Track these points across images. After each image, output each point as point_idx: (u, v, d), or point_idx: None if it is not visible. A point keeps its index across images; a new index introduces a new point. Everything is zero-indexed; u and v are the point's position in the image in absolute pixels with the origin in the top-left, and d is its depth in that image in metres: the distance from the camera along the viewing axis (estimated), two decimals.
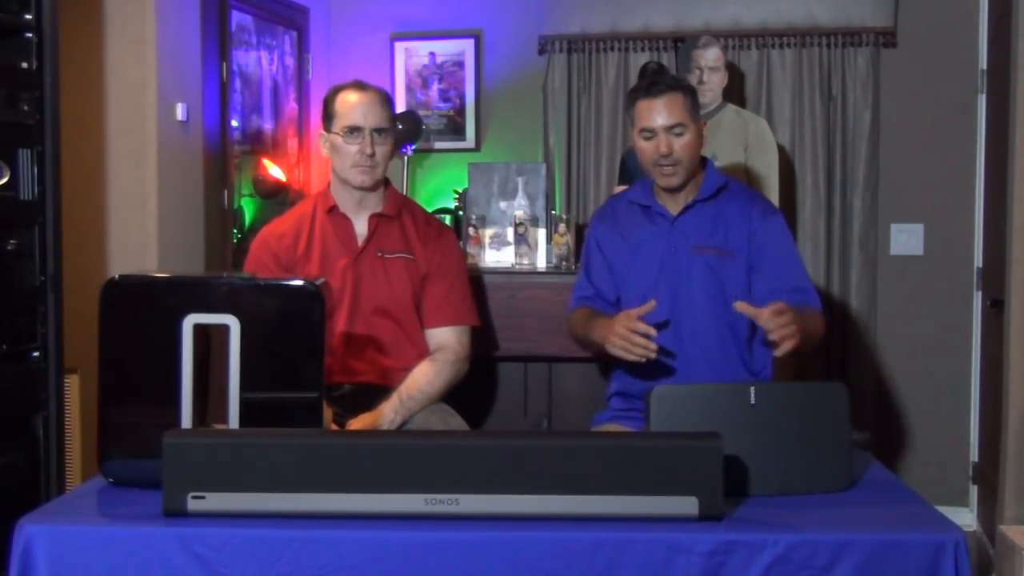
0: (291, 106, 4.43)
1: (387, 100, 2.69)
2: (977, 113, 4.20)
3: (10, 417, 2.65)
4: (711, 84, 3.70)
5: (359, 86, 2.66)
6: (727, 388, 1.97)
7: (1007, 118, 3.49)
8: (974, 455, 4.22)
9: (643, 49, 4.39)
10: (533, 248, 3.50)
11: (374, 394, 2.57)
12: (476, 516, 1.67)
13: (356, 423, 2.47)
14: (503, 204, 3.59)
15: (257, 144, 4.20)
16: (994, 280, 3.80)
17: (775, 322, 2.19)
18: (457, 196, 4.10)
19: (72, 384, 2.93)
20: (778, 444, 1.87)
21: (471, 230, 3.56)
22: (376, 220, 2.69)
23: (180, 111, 3.49)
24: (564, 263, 3.40)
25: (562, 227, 3.44)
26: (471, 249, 3.50)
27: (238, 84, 4.00)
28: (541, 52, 4.50)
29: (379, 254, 2.67)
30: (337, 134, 2.63)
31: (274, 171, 4.23)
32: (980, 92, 4.19)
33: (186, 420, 1.84)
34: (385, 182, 2.73)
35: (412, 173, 4.58)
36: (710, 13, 4.33)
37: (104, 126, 3.37)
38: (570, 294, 2.75)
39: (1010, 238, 3.41)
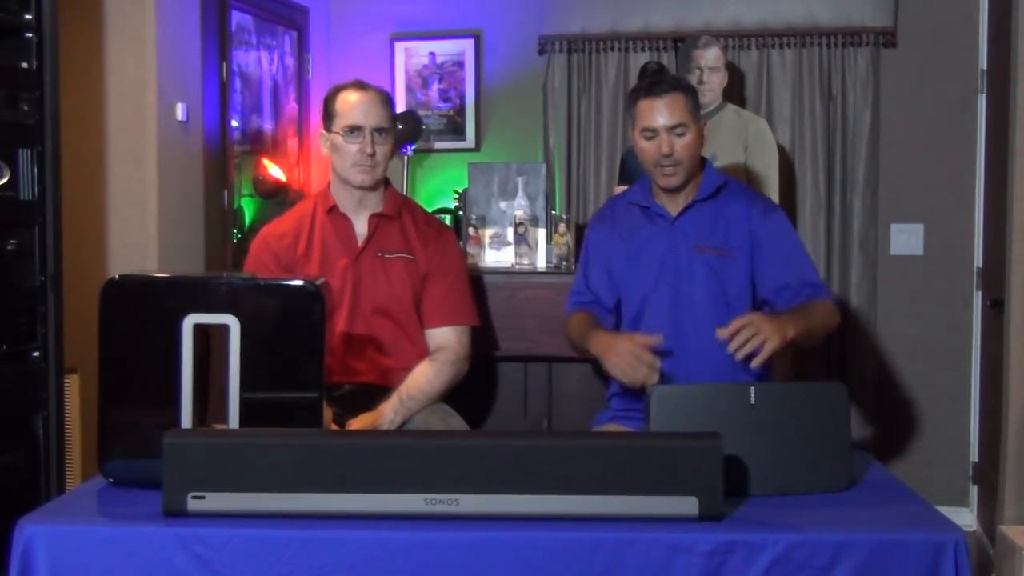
0: (291, 106, 4.43)
1: (388, 100, 2.69)
2: (977, 113, 4.20)
3: (10, 417, 2.65)
4: (711, 84, 3.70)
5: (360, 86, 2.67)
6: (727, 388, 1.97)
7: (1007, 118, 3.49)
8: (974, 455, 4.22)
9: (643, 49, 4.39)
10: (533, 248, 3.50)
11: (374, 394, 2.57)
12: (476, 516, 1.67)
13: (356, 423, 2.47)
14: (503, 204, 3.59)
15: (257, 144, 4.20)
16: (994, 280, 3.80)
17: (733, 345, 2.21)
18: (457, 196, 4.10)
19: (72, 384, 2.93)
20: (778, 444, 1.87)
21: (471, 230, 3.56)
22: (376, 220, 2.69)
23: (180, 111, 3.49)
24: (564, 263, 3.40)
25: (562, 227, 3.44)
26: (471, 249, 3.50)
27: (238, 84, 4.00)
28: (541, 52, 4.50)
29: (379, 254, 2.67)
30: (337, 133, 2.63)
31: (274, 171, 4.23)
32: (980, 92, 4.19)
33: (186, 420, 1.84)
34: (385, 182, 2.73)
35: (412, 173, 4.58)
36: (710, 13, 4.33)
37: (104, 126, 3.37)
38: (567, 297, 2.75)
39: (1010, 238, 3.41)
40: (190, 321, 1.83)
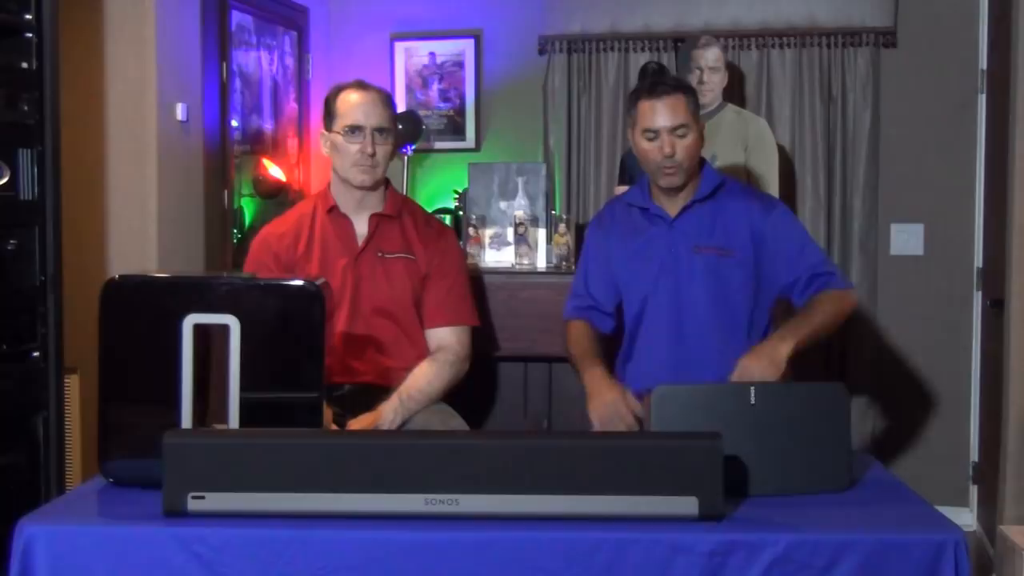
0: (291, 106, 4.43)
1: (388, 100, 2.69)
2: (977, 113, 4.20)
3: (10, 417, 2.65)
4: (711, 84, 3.71)
5: (361, 86, 2.67)
6: (727, 388, 1.98)
7: (1007, 118, 3.49)
8: (974, 455, 4.22)
9: (643, 49, 4.39)
10: (533, 248, 3.50)
11: (374, 394, 2.57)
12: (476, 516, 1.67)
13: (356, 423, 2.47)
14: (503, 204, 3.59)
15: (257, 144, 4.20)
16: (994, 280, 3.80)
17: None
18: (457, 196, 4.10)
19: (72, 384, 2.93)
20: (778, 444, 1.87)
21: (471, 230, 3.56)
22: (376, 220, 2.69)
23: (180, 111, 3.49)
24: (564, 263, 3.40)
25: (562, 227, 3.44)
26: (471, 249, 3.50)
27: (238, 84, 4.00)
28: (541, 52, 4.49)
29: (379, 254, 2.67)
30: (338, 133, 2.63)
31: (274, 171, 4.23)
32: (980, 92, 4.19)
33: (186, 420, 1.84)
34: (385, 182, 2.73)
35: (412, 173, 4.58)
36: (710, 13, 4.33)
37: (104, 126, 3.37)
38: (567, 298, 2.75)
39: (1010, 238, 3.41)
40: (190, 321, 1.83)
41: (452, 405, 2.67)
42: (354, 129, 2.61)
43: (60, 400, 2.75)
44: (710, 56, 3.71)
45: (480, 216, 3.57)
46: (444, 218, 3.69)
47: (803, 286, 2.51)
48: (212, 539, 1.65)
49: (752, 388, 1.91)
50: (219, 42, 3.80)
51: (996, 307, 3.67)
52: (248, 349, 1.83)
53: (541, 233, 3.53)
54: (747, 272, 2.54)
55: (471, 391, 2.80)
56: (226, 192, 3.85)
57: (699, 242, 2.55)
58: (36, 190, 2.69)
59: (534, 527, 1.66)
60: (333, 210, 2.70)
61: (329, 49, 4.68)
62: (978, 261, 4.22)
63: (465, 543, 1.64)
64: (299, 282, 1.89)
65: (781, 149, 4.00)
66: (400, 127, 4.08)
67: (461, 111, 4.66)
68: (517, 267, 3.45)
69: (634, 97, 2.55)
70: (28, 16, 2.66)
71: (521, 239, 3.48)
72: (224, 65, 3.83)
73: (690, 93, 2.53)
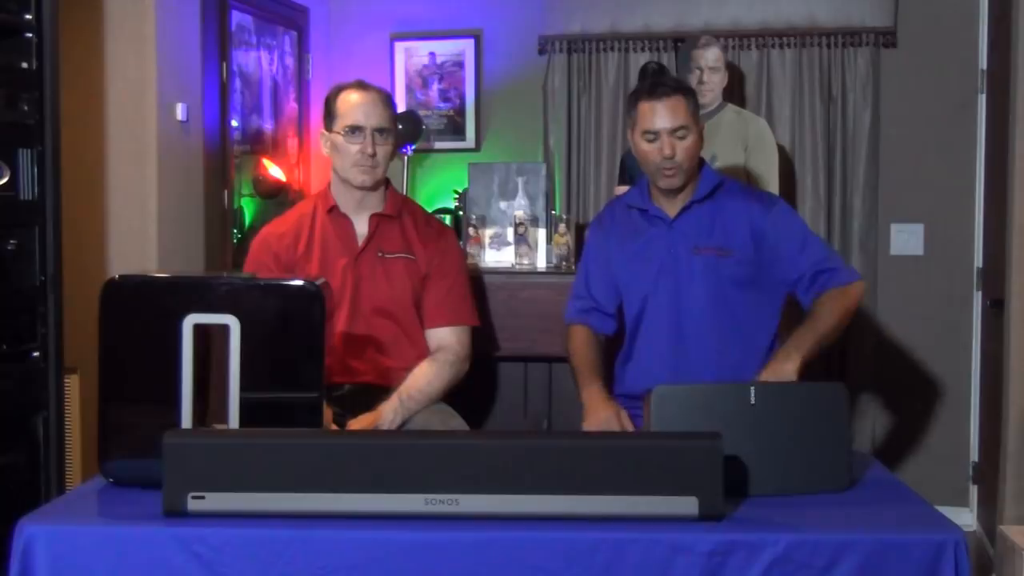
0: (291, 106, 4.43)
1: (389, 100, 2.69)
2: (977, 113, 4.20)
3: (10, 417, 2.65)
4: (711, 84, 3.70)
5: (361, 86, 2.67)
6: (727, 388, 1.97)
7: (1007, 118, 3.49)
8: (974, 455, 4.22)
9: (643, 49, 4.39)
10: (533, 248, 3.50)
11: (374, 394, 2.57)
12: (476, 516, 1.67)
13: (356, 423, 2.47)
14: (503, 204, 3.59)
15: (257, 144, 4.20)
16: (994, 280, 3.80)
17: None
18: (457, 196, 4.10)
19: (72, 384, 2.93)
20: (778, 444, 1.88)
21: (471, 230, 3.56)
22: (376, 220, 2.69)
23: (180, 111, 3.49)
24: (564, 263, 3.40)
25: (562, 227, 3.44)
26: (471, 249, 3.50)
27: (238, 84, 4.00)
28: (541, 52, 4.49)
29: (379, 254, 2.67)
30: (338, 133, 2.63)
31: (274, 171, 4.23)
32: (980, 92, 4.19)
33: (186, 420, 1.84)
34: (386, 182, 2.73)
35: (412, 173, 4.58)
36: (710, 13, 4.33)
37: (104, 126, 3.37)
38: (568, 298, 2.75)
39: (1010, 238, 3.41)
40: (190, 321, 1.83)
41: (452, 405, 2.67)
42: (354, 129, 2.61)
43: (60, 400, 2.75)
44: (710, 56, 3.71)
45: (480, 216, 3.57)
46: (444, 218, 3.69)
47: (808, 283, 2.51)
48: (212, 539, 1.65)
49: (752, 388, 1.91)
50: (219, 42, 3.80)
51: (996, 307, 3.67)
52: (248, 349, 1.83)
53: (541, 233, 3.53)
54: (747, 272, 2.54)
55: (471, 391, 2.80)
56: (226, 192, 3.85)
57: (698, 243, 2.55)
58: (36, 190, 2.69)
59: (534, 527, 1.66)
60: (333, 210, 2.70)
61: (329, 49, 4.68)
62: (978, 261, 4.22)
63: (465, 543, 1.64)
64: (299, 282, 1.89)
65: (781, 149, 4.01)
66: (400, 127, 4.08)
67: (461, 111, 4.66)
68: (517, 267, 3.45)
69: (634, 98, 2.55)
70: (28, 16, 2.66)
71: (521, 239, 3.48)
72: (224, 65, 3.83)
73: (690, 94, 2.53)
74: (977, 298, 4.22)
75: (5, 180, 2.61)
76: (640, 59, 4.30)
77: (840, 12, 4.25)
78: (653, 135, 2.48)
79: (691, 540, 1.64)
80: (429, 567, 1.64)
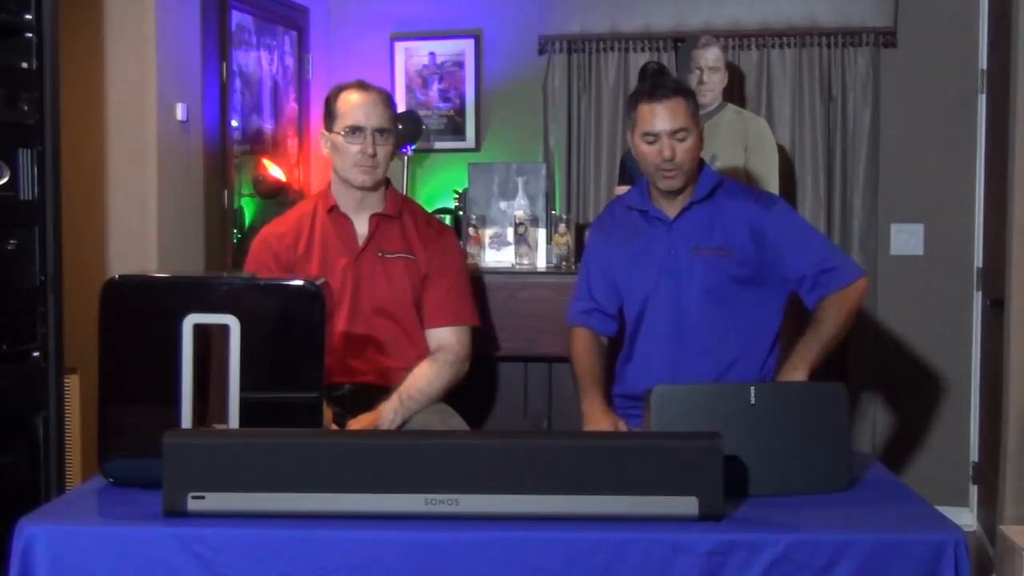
0: (291, 106, 4.43)
1: (389, 100, 2.69)
2: (977, 113, 4.20)
3: (10, 417, 2.65)
4: (711, 84, 3.70)
5: (361, 86, 2.67)
6: (727, 388, 1.98)
7: (1007, 118, 3.49)
8: (974, 455, 4.22)
9: (643, 49, 4.39)
10: (533, 248, 3.50)
11: (374, 394, 2.57)
12: (476, 516, 1.67)
13: (356, 423, 2.47)
14: (503, 204, 3.59)
15: (257, 144, 4.20)
16: (994, 280, 3.80)
17: None
18: (457, 196, 4.10)
19: (72, 384, 2.93)
20: (778, 444, 1.88)
21: (471, 230, 3.55)
22: (377, 220, 2.69)
23: (180, 111, 3.49)
24: (564, 263, 3.40)
25: (562, 227, 3.44)
26: (471, 249, 3.50)
27: (238, 84, 4.00)
28: (541, 52, 4.50)
29: (379, 254, 2.67)
30: (339, 134, 2.63)
31: (274, 171, 4.23)
32: (980, 92, 4.18)
33: (186, 420, 1.84)
34: (386, 182, 2.73)
35: (412, 173, 4.58)
36: (710, 13, 4.33)
37: (104, 126, 3.37)
38: (570, 298, 2.75)
39: (1010, 238, 3.41)
40: (190, 321, 1.83)
41: (452, 405, 2.67)
42: (355, 130, 2.61)
43: (60, 400, 2.75)
44: (710, 56, 3.71)
45: (480, 216, 3.57)
46: (444, 218, 3.69)
47: (811, 284, 2.51)
48: (212, 539, 1.65)
49: (752, 388, 1.91)
50: (219, 42, 3.80)
51: (996, 307, 3.67)
52: (248, 349, 1.83)
53: (541, 233, 3.53)
54: (748, 271, 2.54)
55: (471, 391, 2.80)
56: (226, 192, 3.85)
57: (698, 243, 2.55)
58: (36, 190, 2.69)
59: (534, 527, 1.66)
60: (333, 210, 2.70)
61: (329, 49, 4.67)
62: (978, 261, 4.22)
63: (465, 543, 1.64)
64: (299, 282, 1.89)
65: (781, 149, 4.01)
66: (400, 127, 4.08)
67: (461, 111, 4.66)
68: (517, 267, 3.45)
69: (634, 100, 2.55)
70: (28, 16, 2.66)
71: (521, 239, 3.48)
72: (224, 65, 3.83)
73: (690, 96, 2.53)
74: (977, 298, 4.22)
75: (5, 180, 2.61)
76: (640, 59, 4.30)
77: (840, 12, 4.26)
78: (653, 137, 2.48)
79: (691, 540, 1.64)
80: (429, 567, 1.64)
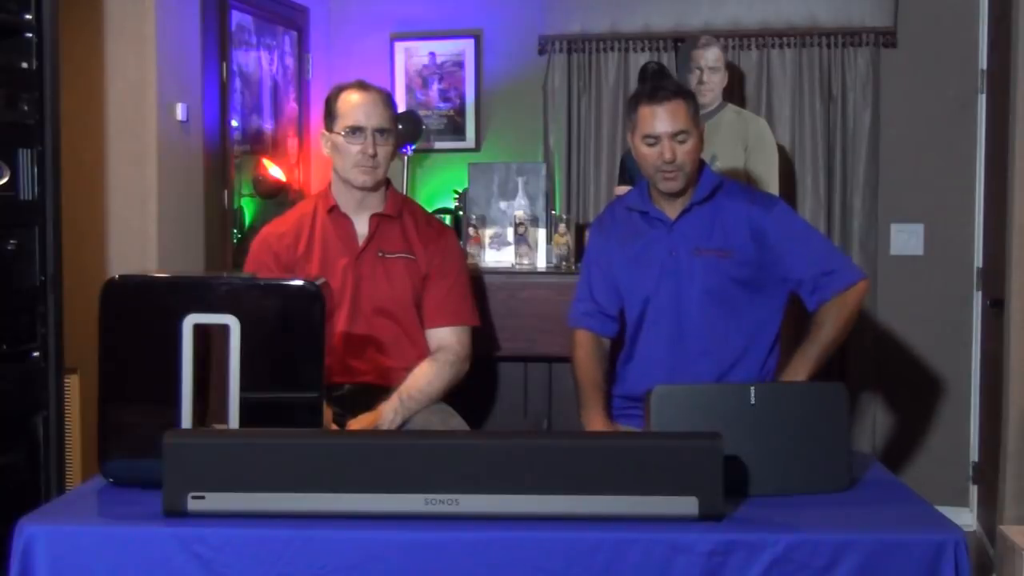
0: (291, 106, 4.43)
1: (389, 101, 2.69)
2: (977, 113, 4.20)
3: (10, 417, 2.65)
4: (711, 84, 3.70)
5: (362, 86, 2.66)
6: (727, 388, 1.98)
7: (1007, 118, 3.49)
8: (974, 455, 4.22)
9: (643, 49, 4.39)
10: (533, 248, 3.50)
11: (374, 394, 2.57)
12: (476, 516, 1.67)
13: (356, 423, 2.47)
14: (503, 204, 3.59)
15: (257, 144, 4.20)
16: (994, 280, 3.80)
17: None
18: (457, 196, 4.10)
19: (72, 384, 2.93)
20: (778, 444, 1.87)
21: (471, 230, 3.55)
22: (377, 220, 2.69)
23: (180, 111, 3.49)
24: (564, 263, 3.40)
25: (562, 227, 3.44)
26: (471, 249, 3.50)
27: (238, 84, 4.00)
28: (541, 52, 4.50)
29: (380, 254, 2.67)
30: (339, 134, 2.63)
31: (274, 171, 4.23)
32: (980, 92, 4.19)
33: (186, 420, 1.84)
34: (386, 182, 2.73)
35: (412, 173, 4.58)
36: (710, 13, 4.33)
37: (104, 126, 3.37)
38: (571, 299, 2.74)
39: (1010, 238, 3.41)
40: (190, 321, 1.83)
41: (452, 405, 2.67)
42: (355, 130, 2.61)
43: (60, 400, 2.75)
44: (710, 56, 3.71)
45: (480, 216, 3.57)
46: (444, 218, 3.69)
47: (811, 286, 2.52)
48: (212, 539, 1.65)
49: (752, 388, 1.91)
50: (219, 42, 3.80)
51: (996, 307, 3.67)
52: (248, 349, 1.83)
53: (541, 233, 3.53)
54: (748, 273, 2.54)
55: (471, 391, 2.80)
56: (226, 192, 3.85)
57: (699, 244, 2.54)
58: (36, 190, 2.69)
59: (534, 527, 1.66)
60: (334, 210, 2.70)
61: (329, 49, 4.68)
62: (978, 261, 4.22)
63: (465, 543, 1.64)
64: (299, 282, 1.89)
65: (781, 149, 4.00)
66: (400, 127, 4.09)
67: (461, 111, 4.66)
68: (517, 267, 3.45)
69: (634, 102, 2.55)
70: (28, 16, 2.66)
71: (521, 239, 3.48)
72: (224, 65, 3.83)
73: (690, 98, 2.52)
74: (977, 298, 4.22)
75: (5, 180, 2.61)
76: (640, 59, 4.30)
77: (840, 12, 4.26)
78: (653, 139, 2.48)
79: (691, 540, 1.64)
80: (429, 567, 1.64)
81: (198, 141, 3.64)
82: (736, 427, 1.85)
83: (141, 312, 1.88)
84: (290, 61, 4.40)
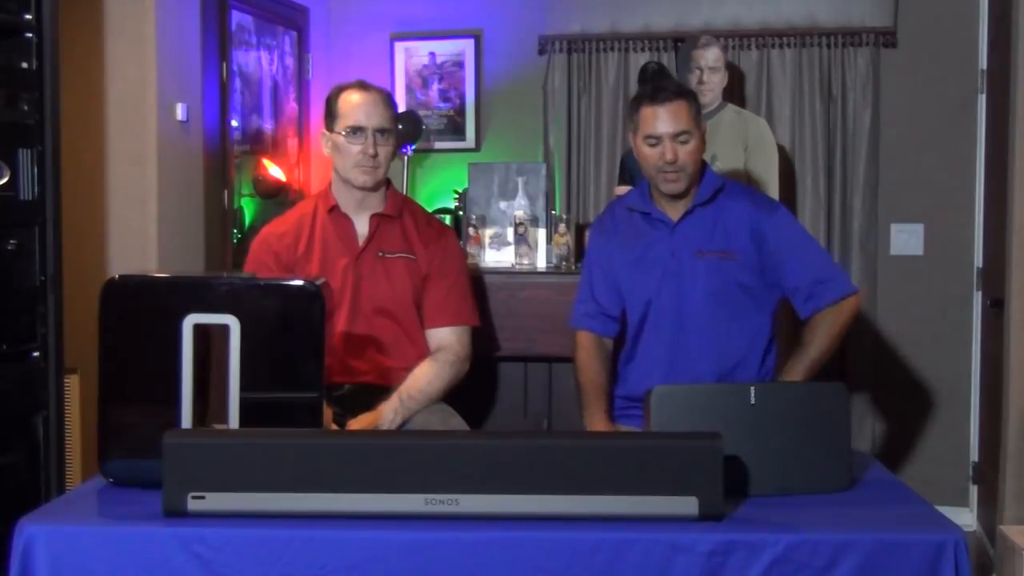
0: (291, 106, 4.43)
1: (390, 101, 2.69)
2: (977, 113, 4.20)
3: (10, 417, 2.65)
4: (711, 84, 3.70)
5: (362, 86, 2.67)
6: (727, 388, 1.98)
7: (1007, 118, 3.49)
8: (974, 455, 4.22)
9: (643, 49, 4.39)
10: (533, 248, 3.50)
11: (374, 394, 2.57)
12: (476, 516, 1.67)
13: (356, 423, 2.47)
14: (503, 204, 3.59)
15: (257, 144, 4.20)
16: (994, 280, 3.80)
17: None
18: (457, 196, 4.10)
19: (72, 384, 2.93)
20: (778, 444, 1.87)
21: (471, 230, 3.56)
22: (377, 220, 2.69)
23: (180, 111, 3.49)
24: (564, 263, 3.40)
25: (562, 227, 3.44)
26: (471, 249, 3.50)
27: (238, 84, 4.00)
28: (541, 52, 4.50)
29: (380, 254, 2.67)
30: (339, 134, 2.63)
31: (274, 171, 4.23)
32: (980, 92, 4.18)
33: (186, 420, 1.84)
34: (386, 182, 2.73)
35: (412, 173, 4.58)
36: (710, 13, 4.33)
37: (104, 126, 3.37)
38: (571, 300, 2.74)
39: (1010, 238, 3.41)
40: (190, 321, 1.83)
41: (452, 405, 2.67)
42: (356, 130, 2.61)
43: (60, 400, 2.75)
44: (710, 56, 3.71)
45: (480, 216, 3.57)
46: (444, 218, 3.69)
47: (804, 295, 2.53)
48: (212, 539, 1.65)
49: (752, 388, 1.91)
50: (219, 42, 3.80)
51: (996, 307, 3.67)
52: (248, 349, 1.83)
53: (541, 233, 3.53)
54: (750, 275, 2.54)
55: (471, 391, 2.80)
56: (226, 192, 3.85)
57: (701, 246, 2.54)
58: (36, 190, 2.69)
59: (534, 527, 1.66)
60: (334, 210, 2.70)
61: (329, 49, 4.67)
62: (978, 261, 4.22)
63: (465, 543, 1.64)
64: (299, 282, 1.89)
65: (781, 149, 4.00)
66: (400, 127, 4.09)
67: (461, 111, 4.66)
68: (517, 267, 3.45)
69: (636, 102, 2.55)
70: (28, 16, 2.66)
71: (521, 239, 3.48)
72: (224, 65, 3.83)
73: (692, 99, 2.52)
74: (977, 298, 4.22)
75: (5, 180, 2.61)
76: (640, 59, 4.30)
77: (840, 12, 4.26)
78: (655, 139, 2.48)
79: (691, 540, 1.64)
80: (429, 567, 1.64)
81: (198, 141, 3.63)
82: (736, 427, 1.85)
83: (141, 312, 1.88)
84: (290, 61, 4.40)
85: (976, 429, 4.21)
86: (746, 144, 3.70)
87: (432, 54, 4.65)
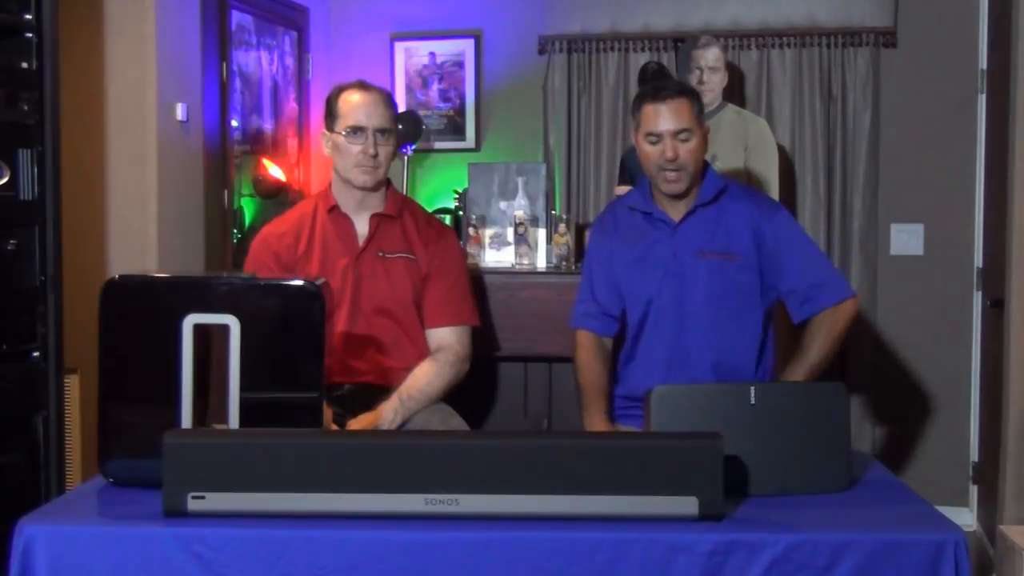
0: (291, 106, 4.43)
1: (390, 101, 2.69)
2: (977, 113, 4.20)
3: (10, 417, 2.65)
4: (711, 84, 3.70)
5: (363, 86, 2.67)
6: (727, 388, 1.97)
7: (1007, 118, 3.49)
8: (974, 455, 4.22)
9: (643, 49, 4.39)
10: (533, 248, 3.50)
11: (374, 394, 2.57)
12: (476, 516, 1.67)
13: (356, 423, 2.47)
14: (503, 204, 3.59)
15: (257, 144, 4.20)
16: (994, 280, 3.80)
17: None
18: (457, 196, 4.10)
19: (72, 384, 2.93)
20: (778, 444, 1.87)
21: (471, 230, 3.56)
22: (377, 220, 2.69)
23: (180, 111, 3.49)
24: (564, 263, 3.40)
25: (562, 227, 3.44)
26: (471, 249, 3.50)
27: (238, 84, 4.00)
28: (541, 52, 4.50)
29: (380, 254, 2.67)
30: (340, 134, 2.63)
31: (274, 171, 4.23)
32: (980, 92, 4.19)
33: (186, 420, 1.84)
34: (387, 182, 2.73)
35: (412, 173, 4.58)
36: (710, 13, 4.33)
37: (104, 126, 3.37)
38: (571, 299, 2.74)
39: (1010, 238, 3.41)
40: (190, 321, 1.83)
41: (452, 405, 2.67)
42: (356, 130, 2.61)
43: (60, 400, 2.75)
44: (710, 56, 3.71)
45: (480, 216, 3.57)
46: (444, 218, 3.69)
47: (800, 299, 2.53)
48: (212, 539, 1.65)
49: (752, 388, 1.91)
50: (219, 42, 3.80)
51: (996, 307, 3.67)
52: (248, 349, 1.83)
53: (541, 233, 3.53)
54: (751, 276, 2.54)
55: (471, 391, 2.80)
56: (226, 192, 3.85)
57: (703, 247, 2.54)
58: (36, 190, 2.69)
59: (534, 527, 1.66)
60: (334, 210, 2.70)
61: (329, 49, 4.67)
62: (978, 261, 4.22)
63: (465, 543, 1.64)
64: (299, 282, 1.89)
65: (781, 149, 4.01)
66: (400, 127, 4.09)
67: (461, 111, 4.66)
68: (517, 267, 3.45)
69: (638, 101, 2.55)
70: (28, 16, 2.66)
71: (521, 239, 3.48)
72: (224, 65, 3.83)
73: (694, 98, 2.52)
74: (977, 298, 4.22)
75: (5, 180, 2.61)
76: (640, 59, 4.30)
77: (840, 12, 4.26)
78: (656, 137, 2.48)
79: (691, 540, 1.64)
80: (429, 567, 1.64)
81: (198, 141, 3.64)
82: (736, 427, 1.85)
83: (141, 312, 1.88)
84: (290, 61, 4.40)
85: (976, 429, 4.21)
86: (746, 144, 3.70)
87: (432, 54, 4.65)
